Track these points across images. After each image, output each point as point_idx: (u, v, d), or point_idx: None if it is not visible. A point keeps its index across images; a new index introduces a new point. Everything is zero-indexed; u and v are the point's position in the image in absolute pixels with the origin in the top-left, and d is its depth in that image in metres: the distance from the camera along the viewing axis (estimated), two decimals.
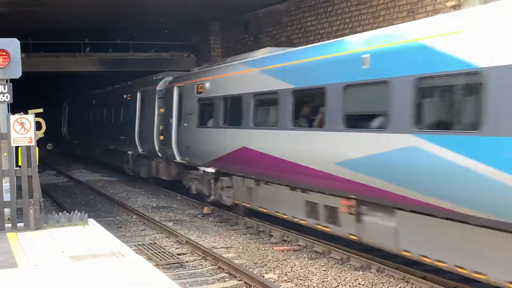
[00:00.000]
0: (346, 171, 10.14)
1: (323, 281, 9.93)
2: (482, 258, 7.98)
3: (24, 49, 12.81)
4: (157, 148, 20.72)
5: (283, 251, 12.16)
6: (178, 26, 25.70)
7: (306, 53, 12.09)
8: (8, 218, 10.34)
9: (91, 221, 11.05)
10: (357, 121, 10.27)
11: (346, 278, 10.07)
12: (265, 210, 13.68)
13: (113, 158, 27.25)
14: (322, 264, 11.08)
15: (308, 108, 12.06)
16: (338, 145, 10.47)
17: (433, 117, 8.86)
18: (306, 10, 19.83)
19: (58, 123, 40.23)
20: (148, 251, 12.21)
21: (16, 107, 11.24)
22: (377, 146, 9.47)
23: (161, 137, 20.22)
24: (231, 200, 15.36)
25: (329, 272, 10.47)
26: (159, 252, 12.11)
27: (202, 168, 16.39)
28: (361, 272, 10.39)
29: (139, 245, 12.82)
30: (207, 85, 16.35)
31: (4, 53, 10.58)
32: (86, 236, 9.76)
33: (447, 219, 8.38)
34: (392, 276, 9.99)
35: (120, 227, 15.24)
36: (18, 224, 10.32)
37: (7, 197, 10.28)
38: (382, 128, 9.44)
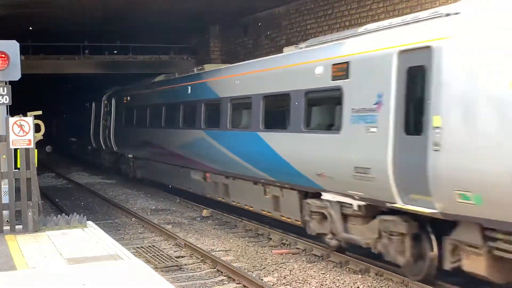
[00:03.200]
0: None
1: (321, 285, 9.92)
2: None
3: (23, 51, 12.82)
4: None
5: (281, 254, 12.15)
6: (178, 29, 25.70)
7: None
8: (7, 221, 10.33)
9: (90, 223, 11.05)
10: None
11: (345, 281, 10.05)
12: None
13: None
14: (321, 267, 11.06)
15: None
16: None
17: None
18: (305, 13, 19.84)
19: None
20: (147, 254, 12.19)
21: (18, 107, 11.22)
22: None
23: None
24: None
25: (328, 275, 10.45)
26: (157, 255, 12.09)
27: None
28: (360, 276, 10.37)
29: (138, 247, 12.80)
30: None
31: (4, 55, 10.58)
32: (85, 239, 9.75)
33: None
34: (391, 280, 9.96)
35: (119, 230, 15.22)
36: (17, 227, 10.31)
37: (5, 199, 10.28)
38: None
